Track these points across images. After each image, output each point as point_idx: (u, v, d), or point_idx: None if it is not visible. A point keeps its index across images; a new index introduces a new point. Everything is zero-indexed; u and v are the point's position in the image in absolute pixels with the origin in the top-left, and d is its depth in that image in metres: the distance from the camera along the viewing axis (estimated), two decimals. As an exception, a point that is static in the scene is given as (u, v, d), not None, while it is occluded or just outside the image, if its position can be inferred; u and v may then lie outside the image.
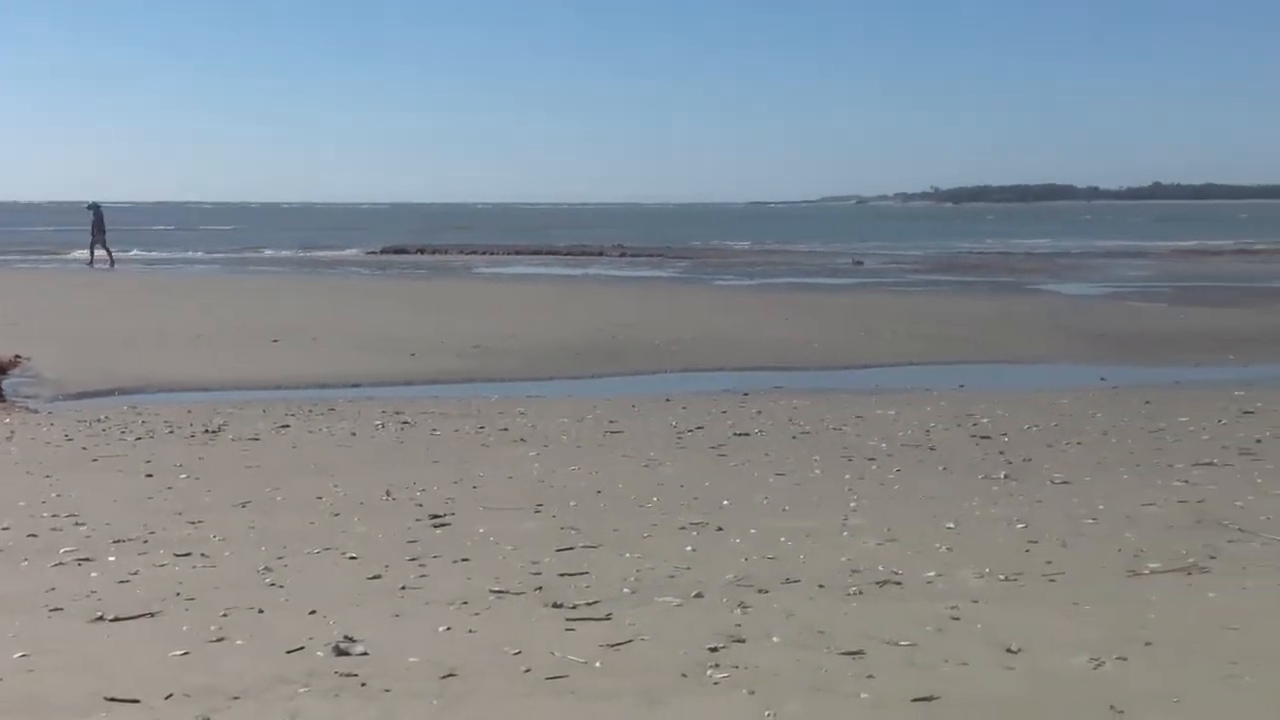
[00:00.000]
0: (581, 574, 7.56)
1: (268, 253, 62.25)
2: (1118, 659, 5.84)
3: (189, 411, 15.27)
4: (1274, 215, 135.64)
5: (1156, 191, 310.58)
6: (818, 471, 11.19)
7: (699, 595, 7.05)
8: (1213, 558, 7.78)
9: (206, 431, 13.71)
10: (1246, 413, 14.65)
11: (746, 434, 13.38)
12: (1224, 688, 5.46)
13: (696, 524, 8.97)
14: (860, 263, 52.93)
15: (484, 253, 60.99)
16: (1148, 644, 6.04)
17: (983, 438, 13.04)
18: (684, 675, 5.71)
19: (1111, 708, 5.24)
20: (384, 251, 61.42)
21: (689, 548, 8.24)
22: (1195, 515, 9.11)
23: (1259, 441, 12.65)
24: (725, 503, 9.77)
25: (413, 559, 8.02)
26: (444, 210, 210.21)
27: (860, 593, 7.11)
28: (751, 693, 5.48)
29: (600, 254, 60.15)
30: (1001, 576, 7.41)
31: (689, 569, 7.68)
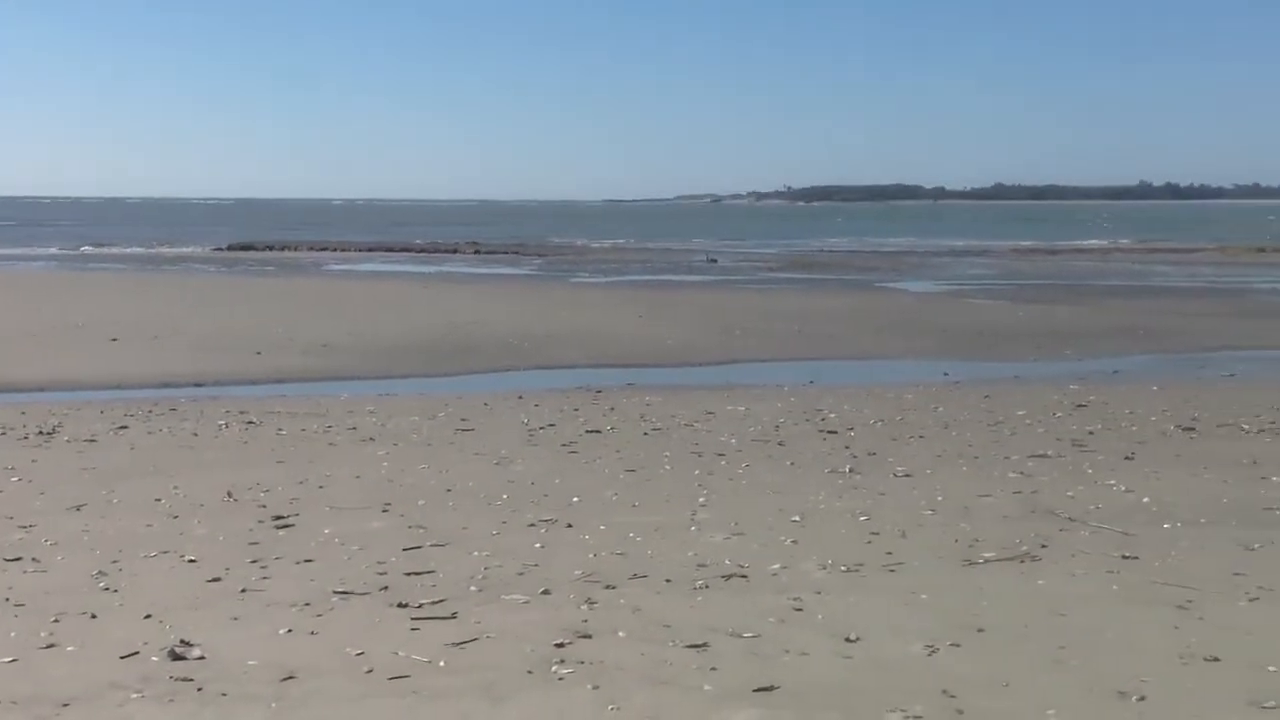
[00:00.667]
0: (428, 573, 7.50)
1: (108, 249, 60.37)
2: (951, 645, 6.00)
3: (22, 413, 14.73)
4: (1110, 215, 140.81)
5: (999, 192, 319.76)
6: (668, 467, 11.27)
7: (546, 592, 7.05)
8: (1044, 546, 8.05)
9: (40, 433, 13.25)
10: (1080, 406, 15.19)
11: (598, 431, 13.41)
12: (1051, 671, 5.65)
13: (546, 521, 8.97)
14: (714, 261, 53.49)
15: (336, 250, 60.08)
16: (980, 630, 6.22)
17: (830, 432, 13.27)
18: (529, 672, 5.70)
19: (944, 693, 5.38)
20: (230, 248, 60.11)
21: (538, 545, 8.23)
22: (1029, 505, 9.41)
23: (1091, 434, 13.12)
24: (575, 499, 9.78)
25: (254, 561, 7.86)
26: (299, 207, 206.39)
27: (706, 586, 7.18)
28: (595, 688, 5.50)
29: (454, 251, 59.73)
30: (843, 568, 7.55)
31: (537, 566, 7.67)
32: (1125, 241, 72.71)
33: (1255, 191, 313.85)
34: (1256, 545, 8.11)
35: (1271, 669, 5.63)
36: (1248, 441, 12.70)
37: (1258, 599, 6.82)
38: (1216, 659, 5.75)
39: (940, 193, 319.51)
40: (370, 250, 60.00)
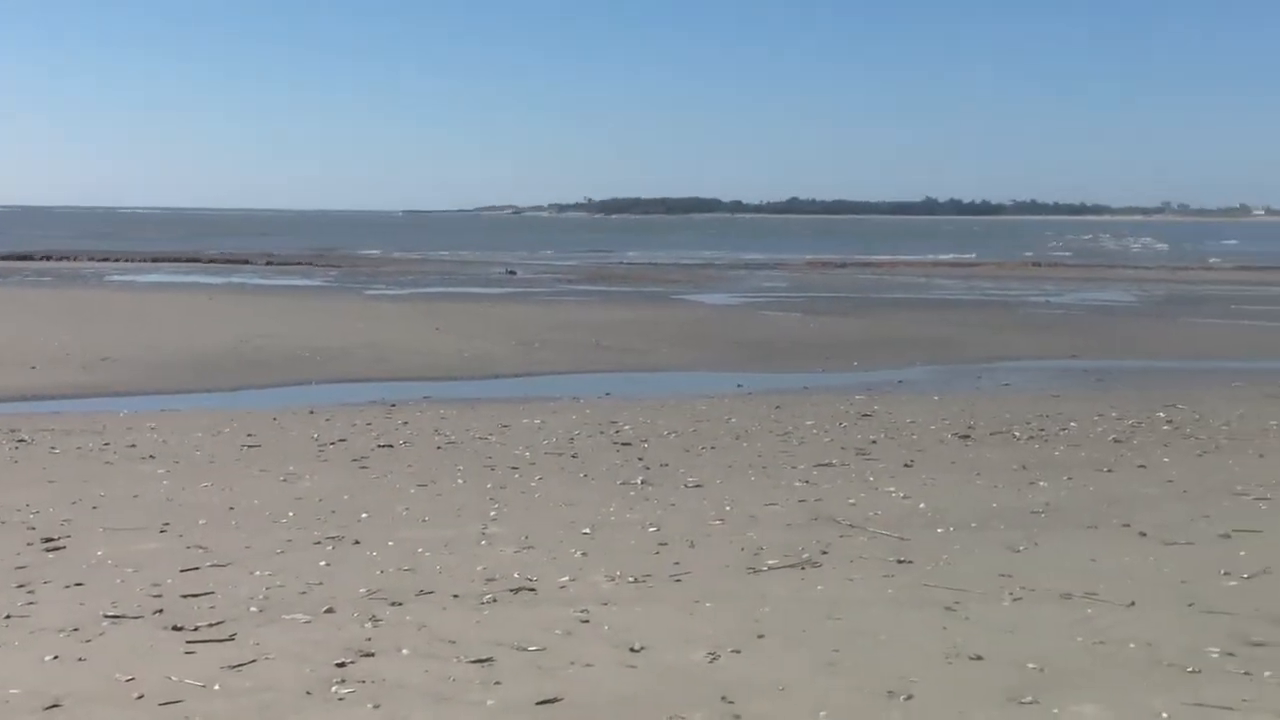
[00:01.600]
0: (206, 594, 7.28)
1: None
2: (732, 652, 6.13)
3: None
4: (897, 230, 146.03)
5: (794, 206, 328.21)
6: (460, 481, 11.20)
7: (330, 611, 6.93)
8: (825, 553, 8.29)
9: None
10: (865, 415, 15.69)
11: (390, 445, 13.25)
12: (825, 674, 5.82)
13: (333, 538, 8.81)
14: (513, 272, 53.41)
15: (119, 260, 57.85)
16: (760, 636, 6.38)
17: (624, 444, 13.40)
18: (308, 693, 5.59)
19: (723, 699, 5.49)
20: (4, 258, 57.22)
21: (323, 563, 8.08)
22: (812, 513, 9.69)
23: (874, 442, 13.56)
24: (364, 515, 9.64)
25: (20, 585, 7.51)
26: (81, 215, 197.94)
27: (494, 600, 7.17)
28: (376, 706, 5.43)
29: (246, 263, 58.20)
30: (631, 579, 7.64)
31: (321, 584, 7.53)
32: (907, 256, 75.29)
33: (1033, 208, 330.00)
34: (1022, 547, 8.53)
35: (1030, 666, 5.93)
36: (1019, 448, 13.32)
37: (1020, 599, 7.17)
38: (980, 657, 6.03)
39: (738, 206, 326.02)
40: (156, 261, 58.01)
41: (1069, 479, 11.37)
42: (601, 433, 14.23)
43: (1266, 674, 5.84)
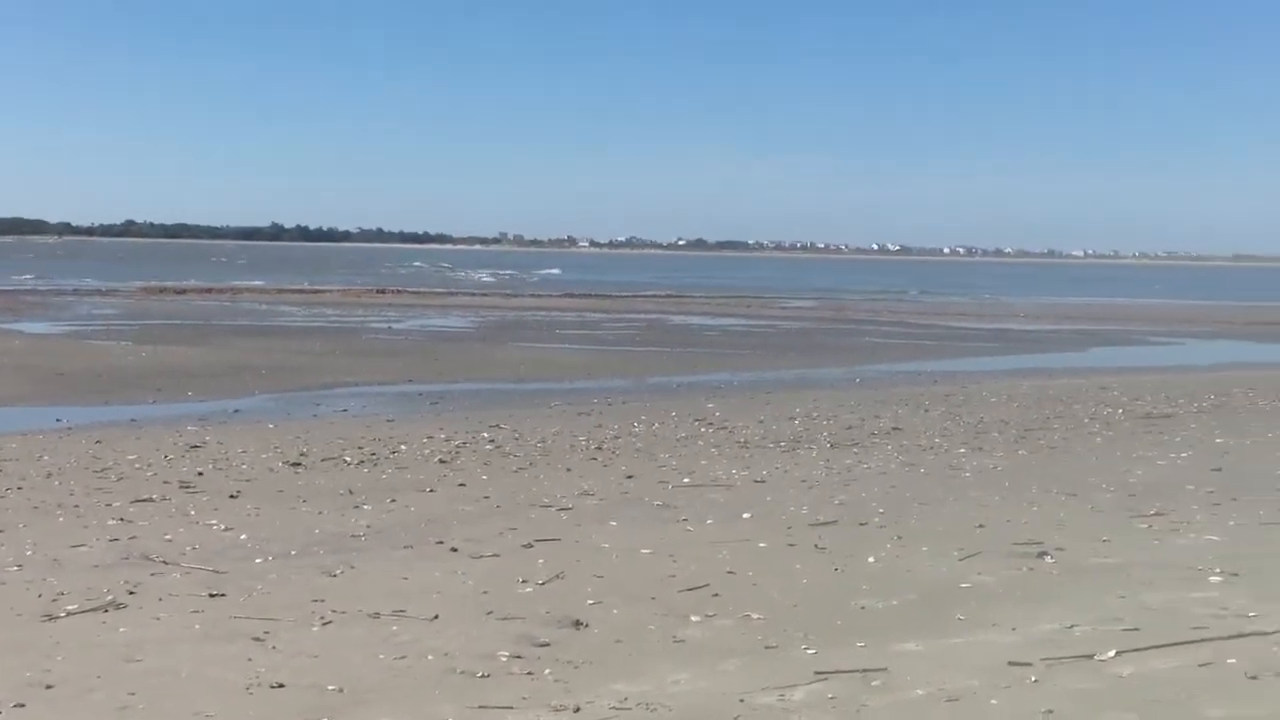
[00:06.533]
0: None
1: None
2: (16, 706, 5.73)
3: None
4: (244, 254, 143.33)
5: (131, 229, 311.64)
6: None
7: None
8: (132, 593, 7.96)
9: None
10: (194, 447, 15.22)
11: None
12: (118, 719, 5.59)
13: None
14: None
15: None
16: (49, 687, 6.00)
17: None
18: None
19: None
20: None
21: None
22: (124, 552, 9.26)
23: (200, 474, 13.20)
24: None
25: None
26: None
27: None
28: None
29: None
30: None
31: None
32: (258, 282, 74.19)
33: (379, 235, 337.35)
34: (339, 571, 8.68)
35: (331, 688, 6.05)
36: (348, 473, 13.54)
37: (331, 622, 7.30)
38: (282, 685, 6.06)
39: (66, 228, 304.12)
40: None
41: (392, 501, 11.73)
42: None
43: (547, 671, 6.36)
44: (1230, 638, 6.67)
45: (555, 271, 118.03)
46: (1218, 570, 8.44)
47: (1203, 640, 6.63)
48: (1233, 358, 34.74)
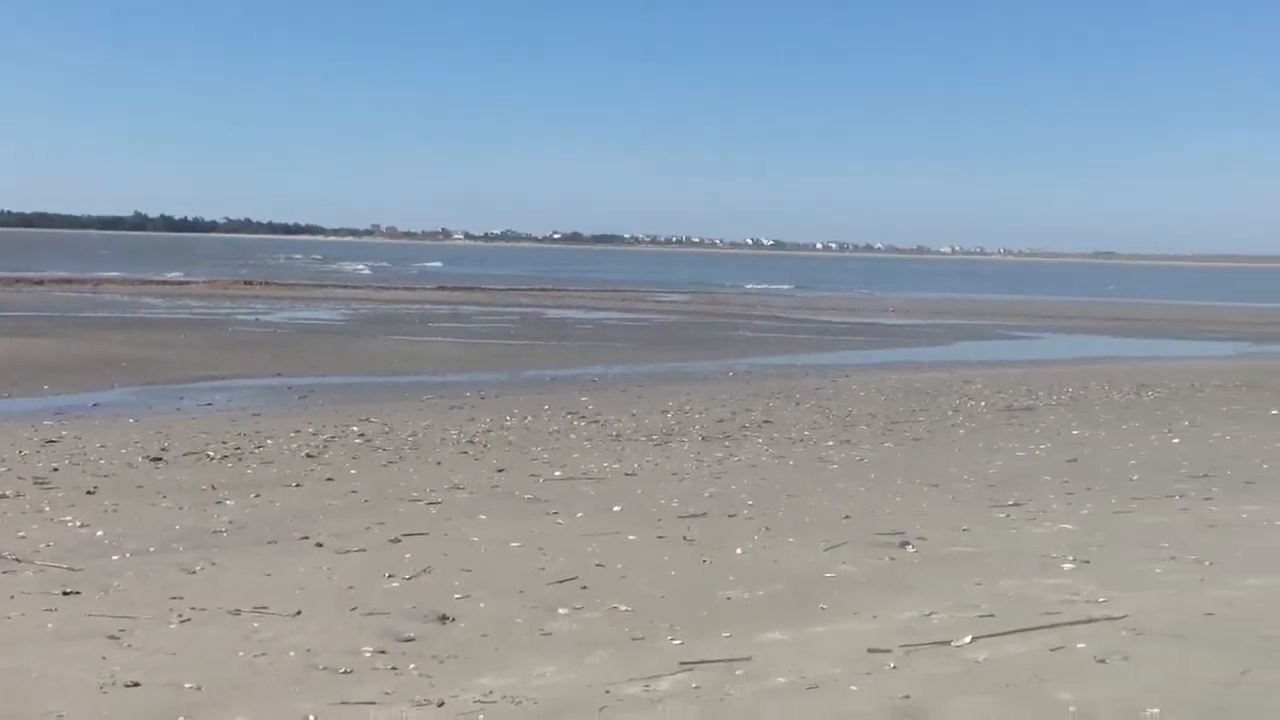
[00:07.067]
0: None
1: None
2: None
3: None
4: (108, 244, 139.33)
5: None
6: None
7: None
8: (-26, 594, 7.69)
9: None
10: (50, 442, 14.77)
11: None
12: (-37, 724, 5.41)
13: None
14: None
15: None
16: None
17: None
18: None
19: None
20: None
21: None
22: (-27, 550, 8.94)
23: (56, 470, 12.81)
24: None
25: None
26: None
27: None
28: None
29: None
30: None
31: None
32: (117, 274, 72.10)
33: (247, 226, 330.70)
34: (198, 568, 8.50)
35: (188, 685, 5.93)
36: (211, 468, 13.26)
37: (189, 620, 7.14)
38: (137, 684, 5.91)
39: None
40: None
41: (256, 496, 11.51)
42: None
43: (411, 666, 6.31)
44: (1080, 623, 6.88)
45: (437, 264, 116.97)
46: (1070, 558, 8.70)
47: (1054, 625, 6.83)
48: (1091, 351, 35.88)
